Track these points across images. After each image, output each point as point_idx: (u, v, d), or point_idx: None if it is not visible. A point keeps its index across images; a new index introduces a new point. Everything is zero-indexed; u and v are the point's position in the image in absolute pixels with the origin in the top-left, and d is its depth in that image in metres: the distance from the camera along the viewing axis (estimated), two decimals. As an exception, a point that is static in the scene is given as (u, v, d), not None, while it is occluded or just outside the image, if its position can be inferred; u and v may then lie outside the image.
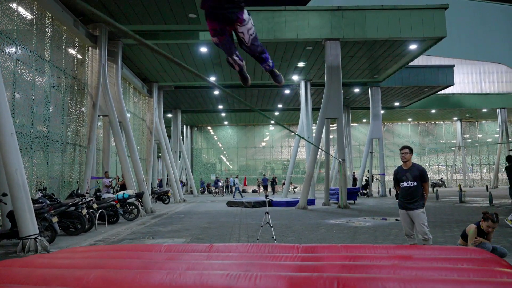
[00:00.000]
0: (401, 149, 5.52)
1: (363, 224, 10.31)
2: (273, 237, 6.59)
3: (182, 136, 36.35)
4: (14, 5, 10.71)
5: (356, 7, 16.41)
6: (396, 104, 30.94)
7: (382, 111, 32.53)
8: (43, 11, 11.94)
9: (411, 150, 5.51)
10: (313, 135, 18.16)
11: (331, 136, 27.31)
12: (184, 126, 37.81)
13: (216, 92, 25.54)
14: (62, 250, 4.42)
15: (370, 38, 16.21)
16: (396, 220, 10.56)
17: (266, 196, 8.21)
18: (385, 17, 16.13)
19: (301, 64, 19.97)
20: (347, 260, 3.31)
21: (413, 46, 17.46)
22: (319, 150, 16.36)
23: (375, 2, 29.51)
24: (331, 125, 19.68)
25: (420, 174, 5.34)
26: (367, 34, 16.08)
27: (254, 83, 23.15)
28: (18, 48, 10.72)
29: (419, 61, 27.82)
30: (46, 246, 7.21)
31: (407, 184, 5.37)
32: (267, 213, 6.90)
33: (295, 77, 22.20)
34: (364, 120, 37.27)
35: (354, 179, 26.07)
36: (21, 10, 11.03)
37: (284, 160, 40.01)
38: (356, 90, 25.48)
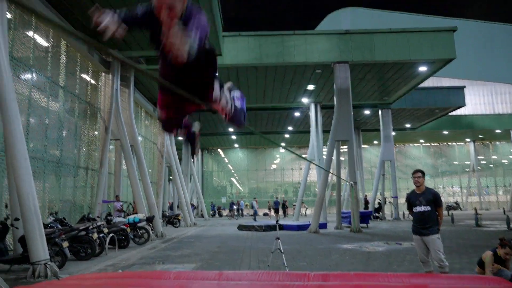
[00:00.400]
0: (413, 173, 5.44)
1: (377, 249, 10.08)
2: (284, 264, 6.46)
3: (193, 159, 36.51)
4: (30, 33, 11.07)
5: (364, 30, 16.60)
6: (408, 125, 30.74)
7: (394, 133, 32.32)
8: (59, 39, 12.31)
9: (423, 173, 5.43)
10: (324, 157, 18.07)
11: (342, 158, 27.15)
12: (195, 149, 37.96)
13: (227, 115, 25.71)
14: (71, 277, 4.39)
15: (379, 60, 16.30)
16: (412, 244, 10.31)
17: (277, 221, 8.09)
18: (394, 40, 16.25)
19: (310, 87, 20.09)
20: (360, 289, 3.22)
21: (422, 68, 17.48)
22: (331, 173, 16.24)
23: (383, 26, 29.91)
24: (342, 147, 19.61)
25: (434, 198, 5.24)
26: (376, 57, 16.18)
27: (264, 107, 23.35)
28: (34, 75, 11.02)
29: (430, 82, 27.78)
30: (56, 272, 7.17)
31: (421, 208, 5.25)
32: (277, 238, 6.79)
33: (304, 100, 22.31)
34: (376, 142, 37.02)
35: (366, 202, 25.68)
36: (37, 37, 11.38)
37: (295, 183, 39.75)
38: (367, 112, 25.45)
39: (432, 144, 39.79)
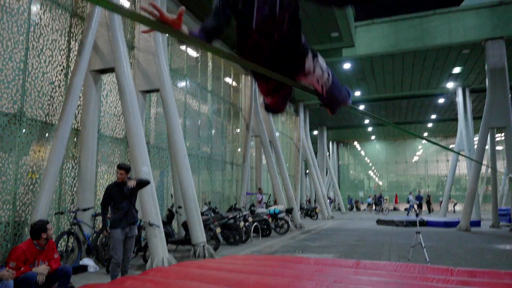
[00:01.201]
0: None
1: (545, 252, 8.69)
2: (426, 259, 6.16)
3: (329, 152, 36.60)
4: (183, 47, 12.78)
5: (525, -2, 14.23)
6: None
7: None
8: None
9: None
10: (475, 147, 16.16)
11: (499, 148, 23.80)
12: (330, 143, 37.99)
13: (361, 107, 25.09)
14: (226, 257, 5.08)
15: (546, 31, 13.80)
16: None
17: (417, 215, 7.72)
18: None
19: (456, 70, 18.15)
20: (513, 289, 2.98)
21: None
22: (484, 164, 14.47)
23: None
24: (498, 135, 17.22)
25: None
26: (541, 27, 13.74)
27: (402, 95, 22.04)
28: (187, 82, 12.70)
29: None
30: (212, 254, 8.25)
31: None
32: (418, 232, 6.51)
33: (449, 85, 20.26)
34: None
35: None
36: (189, 50, 13.07)
37: (441, 176, 36.37)
38: (531, 92, 21.69)
39: None
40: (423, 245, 6.26)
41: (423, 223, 16.03)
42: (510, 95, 14.23)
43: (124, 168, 5.16)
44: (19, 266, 4.04)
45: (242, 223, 10.34)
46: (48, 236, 4.41)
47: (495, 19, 14.36)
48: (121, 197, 5.10)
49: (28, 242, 4.33)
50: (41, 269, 4.17)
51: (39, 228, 4.38)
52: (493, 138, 15.05)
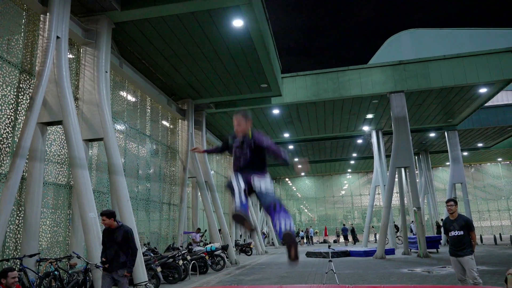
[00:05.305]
0: (446, 202, 6.23)
1: (438, 272, 10.46)
2: (336, 282, 7.40)
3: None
4: (123, 93, 13.49)
5: (418, 59, 17.15)
6: (480, 145, 29.56)
7: (465, 153, 31.20)
8: (144, 96, 14.71)
9: (456, 202, 6.20)
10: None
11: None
12: (263, 179, 39.45)
13: (291, 147, 27.06)
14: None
15: (435, 87, 16.67)
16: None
17: (329, 246, 9.05)
18: (449, 65, 16.59)
19: (369, 116, 20.77)
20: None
21: (483, 90, 17.43)
22: (394, 198, 16.61)
23: (445, 44, 29.70)
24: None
25: (466, 224, 5.98)
26: (432, 84, 16.59)
27: (326, 136, 24.33)
28: (127, 126, 13.33)
29: (500, 98, 26.95)
30: (153, 292, 8.80)
31: (455, 233, 6.02)
32: (330, 261, 7.79)
33: (365, 128, 22.93)
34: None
35: (438, 227, 24.99)
36: (129, 97, 13.80)
37: (364, 208, 39.41)
38: (432, 134, 25.22)
39: (512, 162, 37.32)
40: (334, 271, 7.52)
41: (347, 253, 17.69)
42: (410, 140, 16.74)
43: (105, 214, 5.27)
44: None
45: (181, 262, 10.96)
46: (7, 283, 4.88)
47: (396, 75, 17.07)
48: (110, 243, 5.30)
49: (-8, 287, 4.80)
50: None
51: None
52: (400, 176, 17.39)
